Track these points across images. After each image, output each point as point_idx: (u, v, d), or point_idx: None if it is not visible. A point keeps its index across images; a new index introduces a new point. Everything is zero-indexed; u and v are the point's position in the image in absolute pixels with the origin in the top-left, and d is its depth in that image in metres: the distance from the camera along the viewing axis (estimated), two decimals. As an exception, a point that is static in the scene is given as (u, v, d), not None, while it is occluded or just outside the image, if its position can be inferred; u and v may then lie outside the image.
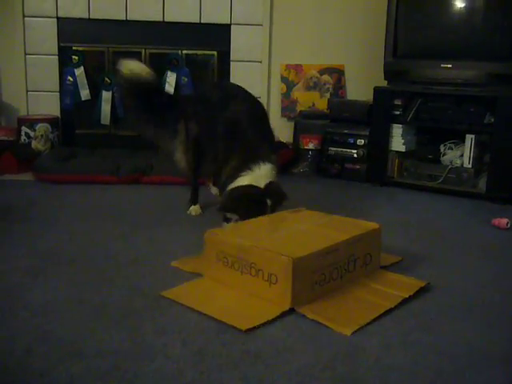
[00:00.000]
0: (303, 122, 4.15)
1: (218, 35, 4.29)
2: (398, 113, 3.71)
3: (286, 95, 4.40)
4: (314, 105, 4.39)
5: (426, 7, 3.68)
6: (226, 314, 1.69)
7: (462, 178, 3.55)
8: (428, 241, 2.57)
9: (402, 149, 3.73)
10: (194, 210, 2.89)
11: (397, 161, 3.77)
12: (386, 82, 3.79)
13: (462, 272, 2.18)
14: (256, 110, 2.69)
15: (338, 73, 4.39)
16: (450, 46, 3.58)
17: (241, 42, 4.30)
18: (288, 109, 4.40)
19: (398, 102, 3.70)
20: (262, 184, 2.34)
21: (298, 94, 4.39)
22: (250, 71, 4.34)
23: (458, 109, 3.52)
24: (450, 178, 3.58)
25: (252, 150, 2.43)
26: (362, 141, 3.85)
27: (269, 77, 4.40)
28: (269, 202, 2.32)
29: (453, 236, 2.69)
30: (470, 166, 3.52)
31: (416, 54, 3.70)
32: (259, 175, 2.35)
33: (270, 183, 2.36)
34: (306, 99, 4.39)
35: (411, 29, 3.73)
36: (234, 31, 4.29)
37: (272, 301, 1.75)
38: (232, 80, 4.23)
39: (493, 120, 3.36)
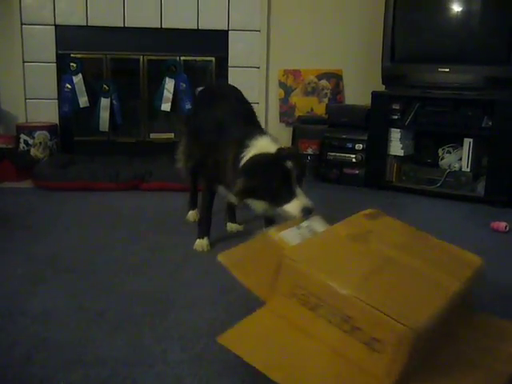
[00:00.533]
0: (301, 127, 4.15)
1: (215, 41, 4.30)
2: (396, 117, 3.72)
3: (284, 100, 4.41)
4: (312, 110, 4.40)
5: (423, 11, 3.70)
6: None
7: (461, 182, 3.55)
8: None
9: (401, 153, 3.74)
10: (193, 215, 2.86)
11: (395, 165, 3.78)
12: (384, 86, 3.80)
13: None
14: (247, 109, 2.58)
15: (336, 78, 4.40)
16: (447, 50, 3.59)
17: (239, 48, 4.31)
18: (286, 114, 4.40)
19: (395, 106, 3.71)
20: (271, 150, 2.08)
21: (296, 99, 4.40)
22: (248, 77, 4.35)
23: (456, 113, 3.53)
24: (449, 182, 3.59)
25: (247, 133, 2.20)
26: (361, 145, 3.86)
27: (267, 82, 4.41)
28: (289, 164, 2.02)
29: (452, 240, 2.67)
30: (468, 169, 3.53)
31: (413, 58, 3.71)
32: (262, 145, 2.11)
33: (281, 148, 2.11)
34: (304, 104, 4.40)
35: (408, 33, 3.75)
36: (232, 37, 4.30)
37: (369, 372, 1.29)
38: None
39: (490, 123, 3.37)
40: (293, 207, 1.98)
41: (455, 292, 1.46)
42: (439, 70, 3.55)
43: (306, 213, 1.92)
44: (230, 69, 4.35)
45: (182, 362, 1.45)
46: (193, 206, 2.87)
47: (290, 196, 2.00)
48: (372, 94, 3.76)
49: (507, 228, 2.81)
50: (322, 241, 1.65)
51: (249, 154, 2.09)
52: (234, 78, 4.32)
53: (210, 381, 1.37)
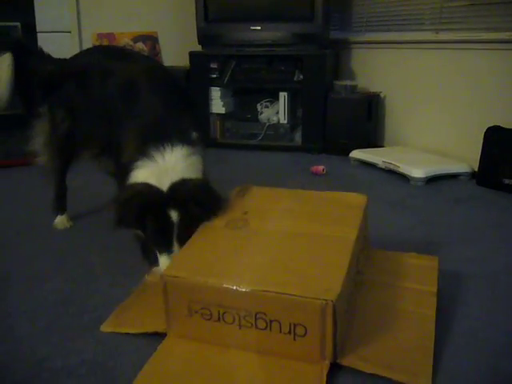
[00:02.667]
0: (122, 91, 4.08)
1: (19, 4, 4.00)
2: (214, 76, 3.82)
3: (101, 66, 4.27)
4: (130, 74, 4.33)
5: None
6: None
7: (280, 134, 3.79)
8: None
9: (222, 111, 3.86)
10: (61, 221, 2.25)
11: (218, 123, 3.90)
12: (201, 46, 3.87)
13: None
14: (159, 71, 1.98)
15: (151, 40, 4.37)
16: (257, 9, 3.75)
17: (47, 12, 4.06)
18: (104, 79, 4.28)
19: (213, 65, 3.81)
20: (165, 183, 1.53)
21: (113, 63, 4.29)
22: (59, 43, 4.14)
23: (270, 68, 3.73)
24: (269, 135, 3.80)
25: (158, 123, 1.65)
26: (183, 106, 3.91)
27: (80, 48, 4.24)
28: (174, 214, 1.51)
29: (278, 184, 2.89)
30: (285, 121, 3.77)
31: (227, 17, 3.81)
32: (164, 167, 1.54)
33: (183, 182, 1.54)
34: (122, 68, 4.31)
35: (219, -7, 3.84)
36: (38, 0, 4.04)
37: (300, 357, 1.25)
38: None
39: (301, 77, 3.62)
40: (162, 265, 1.53)
41: (354, 240, 1.44)
42: (251, 28, 3.69)
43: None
44: (38, 34, 4.10)
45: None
46: (62, 209, 2.27)
47: (164, 248, 1.54)
48: (190, 54, 3.81)
49: (324, 170, 3.08)
50: (202, 240, 1.50)
51: (138, 174, 1.55)
52: (44, 45, 4.06)
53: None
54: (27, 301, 1.59)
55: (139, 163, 1.55)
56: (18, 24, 4.06)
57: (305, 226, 1.54)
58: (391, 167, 3.04)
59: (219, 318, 1.28)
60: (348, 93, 3.58)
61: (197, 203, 1.53)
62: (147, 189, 1.51)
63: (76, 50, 4.16)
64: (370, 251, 1.73)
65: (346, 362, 1.24)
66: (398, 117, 3.64)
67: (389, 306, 1.48)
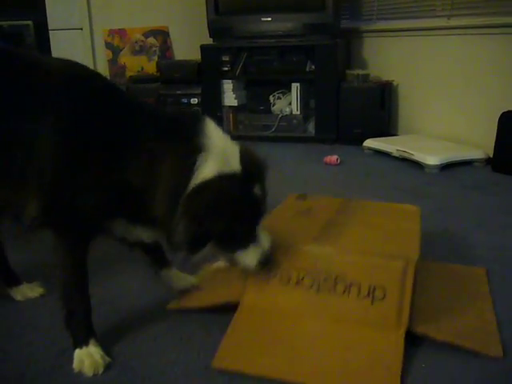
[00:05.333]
0: (134, 87, 4.10)
1: (31, 3, 4.04)
2: (226, 69, 3.83)
3: (113, 62, 4.31)
4: (143, 69, 4.36)
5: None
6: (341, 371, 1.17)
7: (293, 125, 3.79)
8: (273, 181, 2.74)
9: (235, 103, 3.87)
10: (21, 293, 1.59)
11: (231, 115, 3.91)
12: (212, 39, 3.88)
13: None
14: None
15: (162, 34, 4.39)
16: (268, 0, 3.75)
17: (58, 9, 4.10)
18: (117, 75, 4.31)
19: (225, 58, 3.81)
20: (236, 163, 1.22)
21: (125, 59, 4.32)
22: (72, 40, 4.17)
23: (282, 59, 3.73)
24: (282, 126, 3.81)
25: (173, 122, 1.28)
26: (196, 99, 3.93)
27: (92, 44, 4.27)
28: (258, 191, 1.26)
29: (293, 175, 2.90)
30: (298, 112, 3.77)
31: (237, 10, 3.82)
32: (222, 149, 1.21)
33: (250, 160, 1.26)
34: (134, 64, 4.34)
35: (229, -15, 3.84)
36: (49, -2, 4.07)
37: (377, 324, 1.25)
38: (53, 51, 4.02)
39: (313, 67, 3.61)
40: (250, 256, 1.28)
41: (419, 230, 1.49)
42: (262, 19, 3.70)
43: (264, 264, 1.29)
44: (50, 32, 4.13)
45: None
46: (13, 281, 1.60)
47: (249, 239, 1.28)
48: (201, 47, 3.82)
49: (338, 160, 3.09)
50: (279, 221, 1.56)
51: (203, 172, 1.17)
52: (55, 42, 4.11)
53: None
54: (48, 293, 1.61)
55: (198, 162, 1.17)
56: (30, 23, 4.09)
57: (370, 217, 1.61)
58: (405, 155, 3.04)
59: (298, 282, 1.31)
60: (360, 82, 3.58)
61: (263, 172, 1.31)
62: (227, 178, 1.19)
63: (88, 46, 4.21)
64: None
65: (420, 329, 1.26)
66: (411, 105, 3.62)
67: (449, 286, 1.53)
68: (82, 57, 4.16)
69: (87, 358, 1.24)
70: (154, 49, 4.37)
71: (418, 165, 2.92)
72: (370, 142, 3.33)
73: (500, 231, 2.03)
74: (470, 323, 1.34)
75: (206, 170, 1.17)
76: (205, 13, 3.81)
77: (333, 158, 3.10)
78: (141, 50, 4.35)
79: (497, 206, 2.32)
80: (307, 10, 3.62)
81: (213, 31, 3.83)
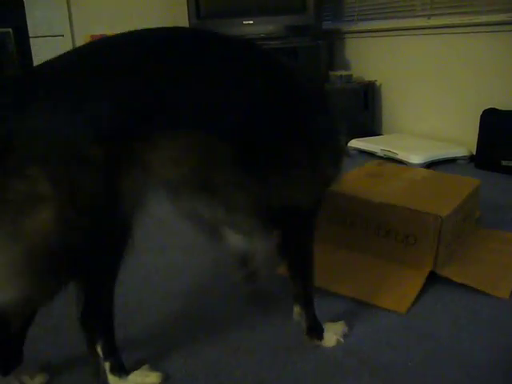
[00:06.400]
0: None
1: (10, 9, 4.01)
2: (209, 72, 3.81)
3: (96, 68, 4.28)
4: (125, 74, 4.33)
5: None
6: (369, 289, 1.55)
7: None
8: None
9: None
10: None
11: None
12: (194, 43, 3.86)
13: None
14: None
15: (145, 40, 4.37)
16: (249, 3, 3.75)
17: (38, 16, 4.07)
18: (100, 81, 4.28)
19: (208, 61, 3.80)
20: None
21: (107, 65, 4.29)
22: (53, 47, 4.14)
23: (265, 62, 3.73)
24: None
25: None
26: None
27: (74, 51, 4.24)
28: None
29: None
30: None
31: (218, 13, 3.81)
32: None
33: None
34: (116, 69, 4.31)
35: (210, -11, 3.84)
36: (28, 3, 4.03)
37: (408, 264, 1.62)
38: (35, 59, 4.00)
39: (296, 69, 3.62)
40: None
41: (467, 194, 1.75)
42: (244, 22, 3.70)
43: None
44: (31, 39, 4.10)
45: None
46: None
47: None
48: (183, 51, 3.81)
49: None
50: (351, 178, 1.91)
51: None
52: (37, 49, 4.08)
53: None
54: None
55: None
56: (10, 30, 4.06)
57: (430, 181, 1.94)
58: (390, 155, 3.06)
59: (351, 225, 1.72)
60: (343, 83, 3.60)
61: None
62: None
63: (70, 54, 4.18)
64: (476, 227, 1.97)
65: (444, 273, 1.58)
66: (394, 104, 3.65)
67: (477, 244, 1.81)
68: (64, 63, 4.13)
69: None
70: (136, 54, 4.35)
71: (403, 164, 2.94)
72: (354, 143, 3.35)
73: (486, 226, 2.04)
74: (489, 270, 1.63)
75: None
76: (186, 16, 3.81)
77: (318, 159, 3.10)
78: (123, 55, 4.32)
79: (481, 202, 2.34)
80: (289, 12, 3.64)
81: (195, 35, 3.82)
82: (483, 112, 2.86)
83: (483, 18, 2.93)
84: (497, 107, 2.85)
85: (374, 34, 3.68)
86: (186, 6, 3.79)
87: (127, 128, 0.94)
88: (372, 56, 3.74)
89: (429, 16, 3.30)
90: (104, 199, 0.94)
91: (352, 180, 1.87)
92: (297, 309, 1.31)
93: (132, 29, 0.99)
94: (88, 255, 0.97)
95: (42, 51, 4.05)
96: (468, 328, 1.38)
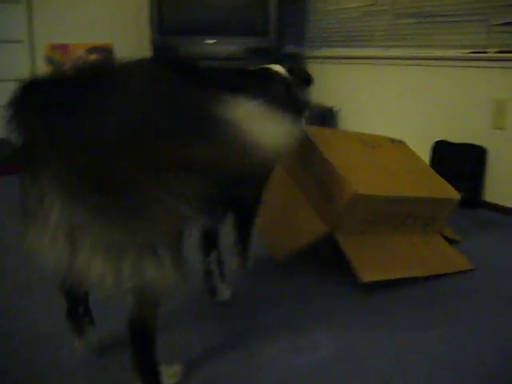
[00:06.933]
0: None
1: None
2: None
3: (54, 77, 4.21)
4: (85, 85, 4.27)
5: (187, -15, 3.82)
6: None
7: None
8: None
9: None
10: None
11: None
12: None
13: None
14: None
15: (106, 51, 4.33)
16: (212, 23, 3.77)
17: (-3, 21, 3.99)
18: (58, 91, 4.21)
19: (168, 77, 3.78)
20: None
21: (66, 74, 4.23)
22: (11, 53, 4.06)
23: (225, 82, 3.73)
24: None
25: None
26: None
27: (33, 58, 4.17)
28: None
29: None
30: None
31: (181, 30, 3.82)
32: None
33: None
34: (76, 80, 4.25)
35: (175, 6, 3.83)
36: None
37: (320, 215, 1.81)
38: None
39: (256, 91, 3.63)
40: None
41: (410, 196, 1.93)
42: (206, 41, 3.71)
43: None
44: (-11, 45, 4.01)
45: None
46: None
47: None
48: (144, 66, 3.78)
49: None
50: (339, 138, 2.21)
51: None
52: (-5, 54, 3.99)
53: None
54: None
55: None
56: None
57: (406, 173, 2.10)
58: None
59: (304, 168, 1.94)
60: (302, 107, 3.62)
61: None
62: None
63: (28, 60, 4.11)
64: (434, 236, 2.15)
65: (338, 235, 1.77)
66: (351, 130, 3.70)
67: (399, 250, 2.00)
68: (22, 70, 4.05)
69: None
70: (97, 65, 4.30)
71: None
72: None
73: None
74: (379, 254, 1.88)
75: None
76: (149, 32, 3.80)
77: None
78: (83, 66, 4.27)
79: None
80: (251, 34, 3.66)
81: (156, 50, 3.81)
82: (435, 143, 2.92)
83: (438, 53, 3.00)
84: (447, 139, 2.91)
85: (334, 60, 3.74)
86: (149, 21, 3.78)
87: None
88: (332, 82, 3.79)
89: (387, 47, 3.37)
90: None
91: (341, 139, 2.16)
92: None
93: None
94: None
95: (0, 56, 3.97)
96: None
